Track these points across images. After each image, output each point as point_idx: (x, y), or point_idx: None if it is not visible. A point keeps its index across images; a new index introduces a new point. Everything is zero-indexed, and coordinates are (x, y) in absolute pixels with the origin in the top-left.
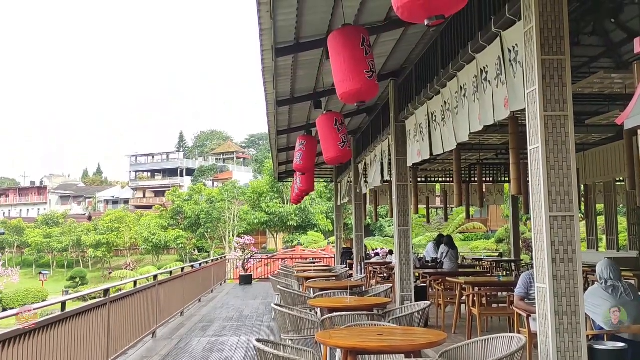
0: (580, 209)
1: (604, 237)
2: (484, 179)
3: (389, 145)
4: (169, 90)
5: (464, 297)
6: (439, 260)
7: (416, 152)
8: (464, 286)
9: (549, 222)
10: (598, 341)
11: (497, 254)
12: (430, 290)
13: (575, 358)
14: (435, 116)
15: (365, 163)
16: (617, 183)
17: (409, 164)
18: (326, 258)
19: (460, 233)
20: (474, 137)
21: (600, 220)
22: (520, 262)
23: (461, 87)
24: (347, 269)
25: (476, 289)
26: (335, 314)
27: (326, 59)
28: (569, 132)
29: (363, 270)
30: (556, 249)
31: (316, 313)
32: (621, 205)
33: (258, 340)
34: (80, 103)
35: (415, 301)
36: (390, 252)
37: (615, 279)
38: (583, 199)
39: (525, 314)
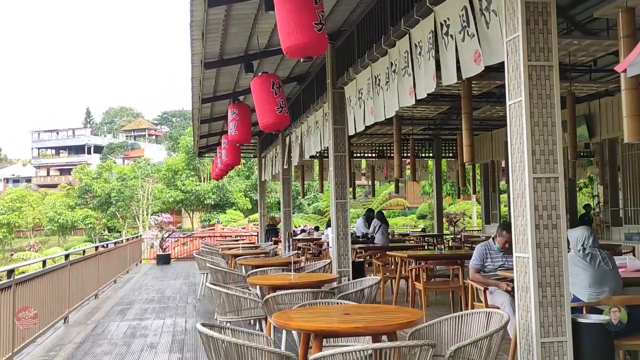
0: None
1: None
2: (407, 155)
3: (323, 115)
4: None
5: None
6: (370, 235)
7: (356, 120)
8: (407, 260)
9: (532, 185)
10: (580, 314)
11: (419, 230)
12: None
13: (559, 332)
14: (380, 80)
15: (295, 135)
16: None
17: (350, 132)
18: (248, 236)
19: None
20: (407, 110)
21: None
22: (445, 236)
23: (415, 45)
24: (274, 246)
25: (420, 263)
26: (279, 292)
27: (266, 11)
28: (554, 84)
29: (291, 247)
30: (540, 214)
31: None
32: None
33: (204, 325)
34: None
35: (353, 277)
36: (317, 229)
37: (593, 246)
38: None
39: (483, 287)
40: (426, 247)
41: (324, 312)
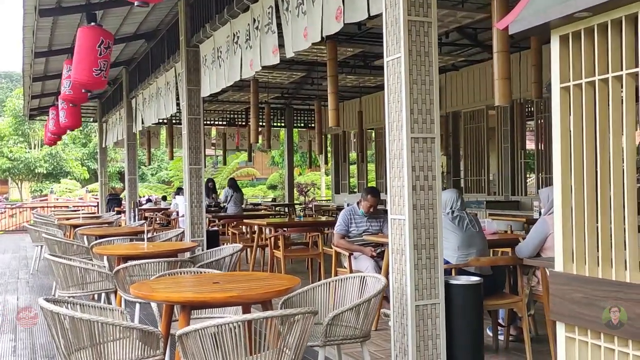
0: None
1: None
2: (261, 123)
3: (176, 75)
4: None
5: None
6: (222, 205)
7: (213, 81)
8: (266, 228)
9: (410, 145)
10: (450, 276)
11: (270, 199)
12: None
13: (432, 295)
14: (239, 37)
15: (142, 97)
16: None
17: (204, 94)
18: (86, 206)
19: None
20: (262, 75)
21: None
22: (296, 206)
23: (282, 0)
24: (118, 216)
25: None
26: (131, 263)
27: None
28: (432, 41)
29: (137, 217)
30: (416, 175)
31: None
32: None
33: (47, 300)
34: None
35: (208, 247)
36: (164, 198)
37: (461, 209)
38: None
39: (348, 253)
40: (279, 216)
41: (189, 282)
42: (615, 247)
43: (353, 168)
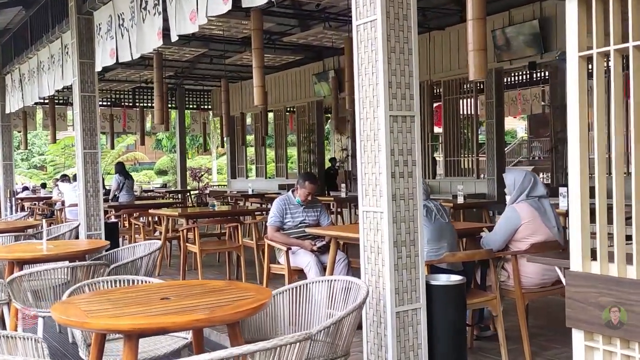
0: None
1: (254, 166)
2: (149, 104)
3: (63, 47)
4: None
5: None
6: (115, 194)
7: (109, 52)
8: (175, 219)
9: (388, 124)
10: (429, 275)
11: (159, 185)
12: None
13: (413, 299)
14: (147, 2)
15: (20, 72)
16: (287, 113)
17: (98, 67)
18: None
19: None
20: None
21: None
22: (190, 191)
23: None
24: None
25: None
26: (32, 269)
27: None
28: (411, 2)
29: (15, 208)
30: (395, 160)
31: None
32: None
33: None
34: None
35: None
36: (43, 186)
37: (427, 198)
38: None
39: (285, 247)
40: (175, 204)
41: (130, 299)
42: None
43: (251, 150)
